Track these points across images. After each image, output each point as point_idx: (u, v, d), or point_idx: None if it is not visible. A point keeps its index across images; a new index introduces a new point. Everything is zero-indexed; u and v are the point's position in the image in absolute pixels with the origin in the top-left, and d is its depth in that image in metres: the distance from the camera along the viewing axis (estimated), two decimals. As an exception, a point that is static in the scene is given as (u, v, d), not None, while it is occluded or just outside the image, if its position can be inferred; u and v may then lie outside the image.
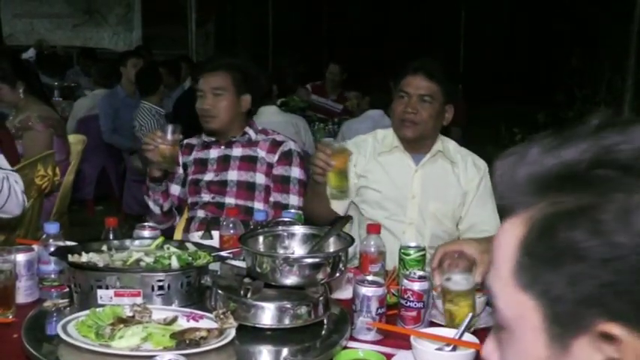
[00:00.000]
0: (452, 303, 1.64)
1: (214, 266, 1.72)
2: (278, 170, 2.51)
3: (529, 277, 0.62)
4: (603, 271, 0.57)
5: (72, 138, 3.46)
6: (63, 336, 1.34)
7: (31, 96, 3.22)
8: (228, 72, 2.49)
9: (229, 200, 2.49)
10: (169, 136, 2.27)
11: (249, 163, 2.52)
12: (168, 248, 1.79)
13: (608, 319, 0.57)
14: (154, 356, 1.22)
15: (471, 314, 1.49)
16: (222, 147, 2.56)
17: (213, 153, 2.56)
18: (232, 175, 2.52)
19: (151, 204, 2.48)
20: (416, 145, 2.39)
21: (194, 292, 1.62)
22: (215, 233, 2.14)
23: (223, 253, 1.70)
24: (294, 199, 2.47)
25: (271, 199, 2.50)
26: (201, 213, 2.52)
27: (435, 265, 1.70)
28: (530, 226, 0.63)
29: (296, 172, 2.51)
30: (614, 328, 0.57)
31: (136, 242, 1.85)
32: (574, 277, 0.59)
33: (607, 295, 0.57)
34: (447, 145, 2.43)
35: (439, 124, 2.38)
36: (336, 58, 6.54)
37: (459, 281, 1.63)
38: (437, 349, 1.48)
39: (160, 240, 1.85)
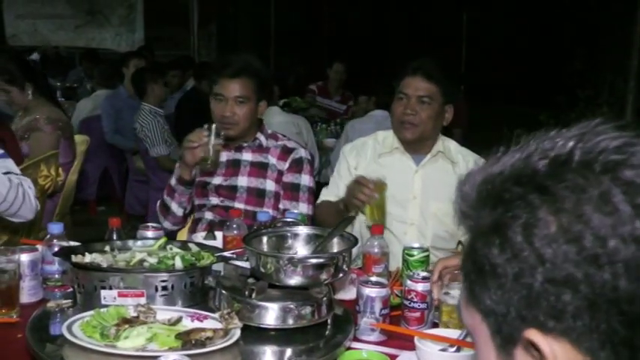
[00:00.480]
0: (449, 316, 1.64)
1: (217, 267, 1.72)
2: (288, 178, 2.48)
3: (469, 292, 0.66)
4: (517, 285, 0.61)
5: (76, 138, 3.46)
6: (68, 336, 1.33)
7: (41, 97, 3.23)
8: (251, 79, 2.44)
9: (238, 205, 2.46)
10: (214, 137, 2.27)
11: (259, 169, 2.50)
12: (170, 249, 1.79)
13: (531, 328, 0.61)
14: (160, 356, 1.22)
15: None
16: (232, 151, 2.52)
17: (222, 156, 2.50)
18: (242, 180, 2.49)
19: (174, 206, 2.46)
20: (416, 146, 2.39)
21: (197, 292, 1.62)
22: (218, 234, 2.14)
23: (226, 254, 1.70)
24: (303, 207, 2.45)
25: (280, 206, 2.48)
26: (209, 215, 2.50)
27: (434, 279, 1.70)
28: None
29: (306, 180, 2.48)
30: (537, 337, 0.60)
31: (139, 243, 1.84)
32: (495, 292, 0.62)
33: (525, 307, 0.61)
34: (447, 145, 2.43)
35: (439, 124, 2.38)
36: (339, 58, 6.52)
37: (456, 296, 1.64)
38: (441, 350, 1.48)
39: (163, 240, 1.84)
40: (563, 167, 0.61)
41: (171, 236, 2.27)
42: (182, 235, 2.59)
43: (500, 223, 0.62)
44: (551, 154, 0.62)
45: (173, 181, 2.44)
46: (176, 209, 2.46)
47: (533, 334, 0.60)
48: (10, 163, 2.22)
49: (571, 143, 0.62)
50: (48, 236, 1.87)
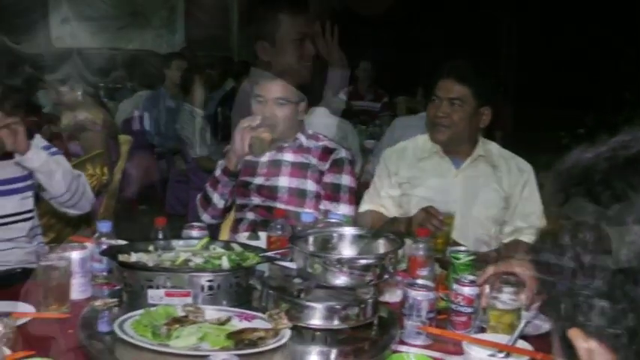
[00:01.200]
0: (497, 321, 1.62)
1: (259, 267, 1.72)
2: (328, 178, 2.47)
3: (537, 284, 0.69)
4: (563, 285, 0.61)
5: (119, 138, 3.53)
6: (121, 335, 1.35)
7: (88, 97, 3.32)
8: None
9: (280, 205, 2.46)
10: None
11: (300, 169, 2.50)
12: (214, 249, 1.80)
13: (575, 327, 0.61)
14: (210, 355, 1.22)
15: (525, 321, 1.46)
16: (273, 151, 2.52)
17: (263, 156, 2.53)
18: (283, 181, 2.49)
19: (215, 197, 2.47)
20: (453, 148, 2.38)
21: (242, 292, 1.62)
22: (262, 234, 2.15)
23: (271, 254, 1.70)
24: (344, 208, 2.44)
25: (321, 206, 2.47)
26: (250, 215, 2.52)
27: (481, 282, 1.67)
28: None
29: (346, 180, 2.47)
30: (578, 337, 0.61)
31: (181, 242, 1.85)
32: (550, 288, 0.63)
33: (570, 307, 0.61)
34: (489, 148, 2.41)
35: (474, 126, 2.36)
36: (364, 57, 6.45)
37: (505, 300, 1.61)
38: (489, 356, 1.45)
39: (206, 240, 1.85)
40: (622, 171, 0.59)
41: (213, 236, 2.28)
42: (224, 235, 2.60)
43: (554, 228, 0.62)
44: (619, 154, 0.61)
45: (218, 172, 2.46)
46: (217, 201, 2.47)
47: (575, 334, 0.60)
48: (64, 160, 2.28)
49: None
50: (97, 234, 1.90)
